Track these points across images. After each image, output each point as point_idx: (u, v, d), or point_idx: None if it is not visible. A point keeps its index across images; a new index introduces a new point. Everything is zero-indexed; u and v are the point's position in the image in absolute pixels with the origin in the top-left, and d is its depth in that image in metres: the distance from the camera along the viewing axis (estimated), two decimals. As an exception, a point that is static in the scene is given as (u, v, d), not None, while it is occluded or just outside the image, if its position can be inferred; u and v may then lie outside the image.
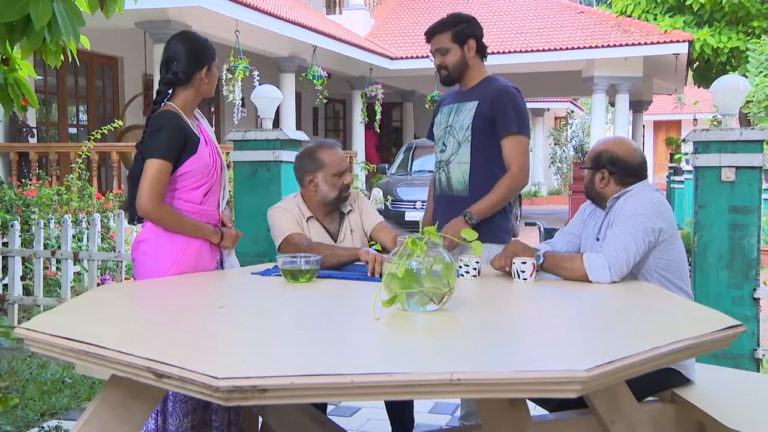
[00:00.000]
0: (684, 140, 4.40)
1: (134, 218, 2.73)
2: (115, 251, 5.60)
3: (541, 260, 2.56)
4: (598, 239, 2.69)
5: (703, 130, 4.08)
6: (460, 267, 2.59)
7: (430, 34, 3.20)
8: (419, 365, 1.52)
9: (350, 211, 3.18)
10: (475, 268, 2.59)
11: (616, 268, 2.45)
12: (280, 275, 2.63)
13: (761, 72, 12.23)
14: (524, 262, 2.51)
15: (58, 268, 6.46)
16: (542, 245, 2.90)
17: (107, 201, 7.37)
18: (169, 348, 1.70)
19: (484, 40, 3.23)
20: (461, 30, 3.15)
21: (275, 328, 1.91)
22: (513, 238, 2.80)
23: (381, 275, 2.60)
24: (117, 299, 2.40)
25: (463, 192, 3.16)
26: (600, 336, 1.82)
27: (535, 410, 2.88)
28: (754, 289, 4.02)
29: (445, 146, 3.23)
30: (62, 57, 3.74)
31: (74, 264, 5.99)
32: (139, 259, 2.74)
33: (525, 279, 2.50)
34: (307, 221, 3.08)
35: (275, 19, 10.62)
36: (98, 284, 5.58)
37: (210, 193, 2.79)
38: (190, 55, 2.72)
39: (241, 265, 3.08)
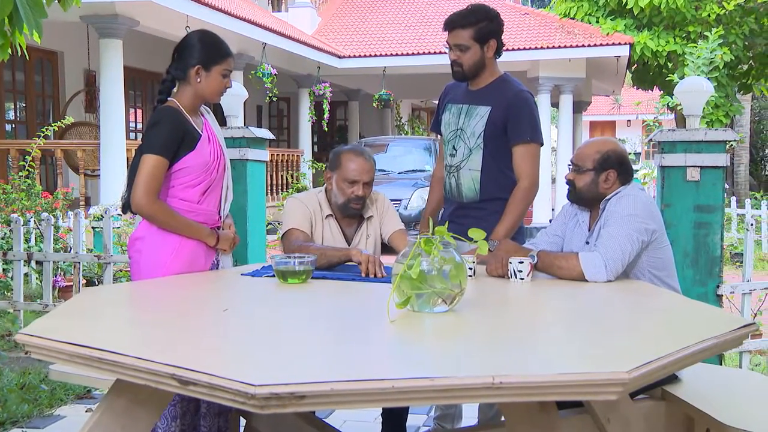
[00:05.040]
0: (650, 140, 4.48)
1: (127, 209, 2.65)
2: (68, 251, 5.42)
3: (536, 260, 2.57)
4: (587, 243, 2.70)
5: (669, 130, 4.16)
6: None
7: (451, 26, 3.01)
8: (459, 369, 1.50)
9: (371, 217, 3.10)
10: (471, 268, 2.58)
11: (612, 267, 2.47)
12: (272, 276, 2.57)
13: (698, 76, 12.60)
14: (521, 262, 2.51)
15: (4, 270, 6.21)
16: (527, 245, 2.90)
17: (56, 200, 7.12)
18: (189, 353, 1.63)
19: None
20: (484, 28, 2.99)
21: (294, 332, 1.85)
22: (504, 239, 2.78)
23: (375, 275, 2.58)
24: (115, 302, 2.31)
25: (473, 199, 3.10)
26: (627, 336, 1.83)
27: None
28: (717, 286, 4.14)
29: (456, 150, 3.13)
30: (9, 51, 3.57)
31: (25, 265, 5.77)
32: (135, 258, 2.69)
33: (522, 279, 2.50)
34: (325, 218, 3.02)
35: (226, 15, 10.43)
36: (52, 286, 5.39)
37: (209, 192, 2.72)
38: (187, 50, 2.66)
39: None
